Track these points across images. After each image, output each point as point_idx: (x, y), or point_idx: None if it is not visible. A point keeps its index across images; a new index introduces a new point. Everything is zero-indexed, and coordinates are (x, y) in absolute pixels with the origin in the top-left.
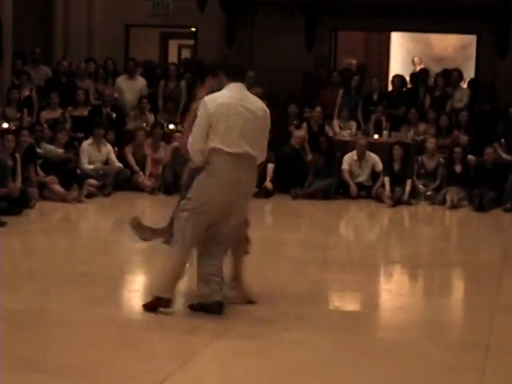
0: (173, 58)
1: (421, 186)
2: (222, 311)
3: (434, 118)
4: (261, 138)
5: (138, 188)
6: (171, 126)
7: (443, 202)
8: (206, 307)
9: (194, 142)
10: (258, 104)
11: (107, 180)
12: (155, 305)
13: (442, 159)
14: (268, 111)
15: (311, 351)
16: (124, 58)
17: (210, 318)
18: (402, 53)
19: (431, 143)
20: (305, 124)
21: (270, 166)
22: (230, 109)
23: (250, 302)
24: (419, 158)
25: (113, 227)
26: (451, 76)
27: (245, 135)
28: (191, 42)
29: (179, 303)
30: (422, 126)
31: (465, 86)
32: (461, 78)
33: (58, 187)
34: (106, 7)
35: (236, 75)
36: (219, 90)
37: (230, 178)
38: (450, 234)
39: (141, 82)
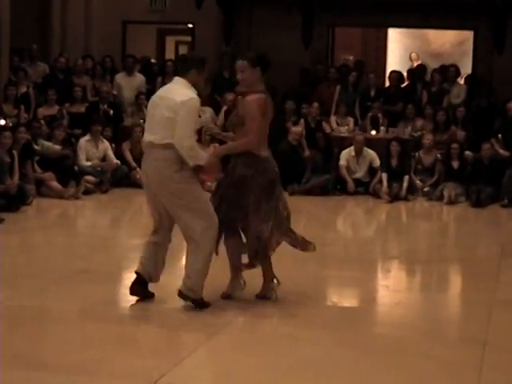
0: (170, 54)
1: (418, 182)
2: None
3: (431, 113)
4: (172, 125)
5: (135, 184)
6: None
7: (440, 198)
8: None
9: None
10: (176, 95)
11: (105, 177)
12: (204, 306)
13: (439, 155)
14: (191, 100)
15: (309, 347)
16: (121, 54)
17: (208, 314)
18: (400, 49)
19: (428, 139)
20: (302, 120)
21: None
22: (151, 103)
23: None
24: (416, 153)
25: (110, 224)
26: (448, 72)
27: (151, 126)
28: (188, 39)
29: (178, 299)
30: (419, 122)
31: (462, 81)
32: (458, 73)
33: (55, 184)
34: (103, 3)
35: (175, 69)
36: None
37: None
38: (448, 230)
39: (139, 78)
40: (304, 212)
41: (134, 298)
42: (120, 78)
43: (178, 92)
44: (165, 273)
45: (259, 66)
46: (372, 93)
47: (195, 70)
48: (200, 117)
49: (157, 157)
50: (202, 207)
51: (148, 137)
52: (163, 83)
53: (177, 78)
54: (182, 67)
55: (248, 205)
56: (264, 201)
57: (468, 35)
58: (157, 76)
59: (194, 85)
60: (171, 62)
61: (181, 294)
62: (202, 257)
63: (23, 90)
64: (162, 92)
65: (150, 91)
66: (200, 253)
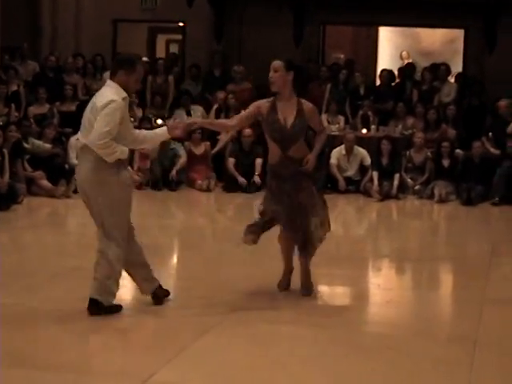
0: (161, 52)
1: (409, 180)
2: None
3: (422, 112)
4: (92, 126)
5: None
6: (159, 121)
7: (431, 196)
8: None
9: None
10: (99, 99)
11: None
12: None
13: (429, 153)
14: (110, 102)
15: (300, 345)
16: (112, 53)
17: (201, 312)
18: (391, 47)
19: (419, 137)
20: None
21: (259, 161)
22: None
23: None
24: (407, 152)
25: None
26: (439, 70)
27: (82, 129)
28: (179, 37)
29: (170, 297)
30: (410, 121)
31: (452, 80)
32: (448, 72)
33: (45, 182)
34: (93, 2)
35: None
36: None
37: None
38: (438, 228)
39: None
40: None
41: (125, 296)
42: (108, 75)
43: (103, 95)
44: (158, 272)
45: (292, 71)
46: (361, 91)
47: (123, 70)
48: (133, 119)
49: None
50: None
51: (81, 139)
52: (154, 82)
53: (108, 81)
54: (112, 69)
55: (307, 202)
56: (317, 196)
57: (459, 34)
58: (147, 74)
59: (124, 86)
60: (162, 61)
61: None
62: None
63: (14, 88)
64: (94, 96)
65: (140, 90)
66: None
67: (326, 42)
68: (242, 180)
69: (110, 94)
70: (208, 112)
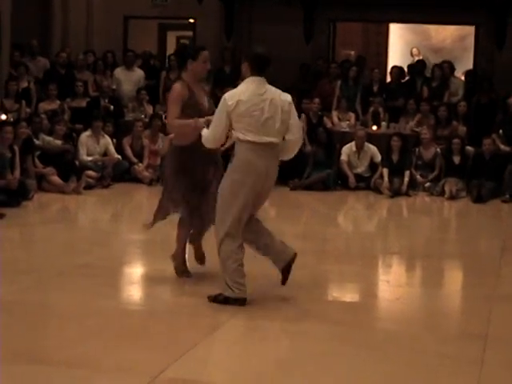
0: (171, 49)
1: (418, 177)
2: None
3: (428, 110)
4: (284, 125)
5: (136, 179)
6: None
7: (442, 193)
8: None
9: (213, 136)
10: (278, 94)
11: (106, 171)
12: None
13: (438, 149)
14: (289, 98)
15: (310, 342)
16: (122, 49)
17: (208, 309)
18: (401, 44)
19: (425, 134)
20: (303, 115)
21: None
22: (249, 105)
23: None
24: (416, 149)
25: (111, 219)
26: (443, 68)
27: (266, 126)
28: (190, 34)
29: (179, 294)
30: (421, 117)
31: (462, 77)
32: (452, 69)
33: (56, 179)
34: None
35: (261, 69)
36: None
37: (256, 167)
38: (449, 225)
39: (139, 73)
40: (305, 207)
41: (134, 293)
42: (119, 72)
43: (276, 91)
44: (168, 268)
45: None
46: (375, 88)
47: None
48: (144, 116)
49: (277, 156)
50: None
51: (272, 138)
52: (168, 78)
53: (260, 78)
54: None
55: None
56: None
57: (469, 30)
58: (158, 70)
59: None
60: (174, 57)
61: None
62: None
63: (24, 84)
64: (260, 94)
65: (152, 86)
66: None
67: (336, 38)
68: None
69: (280, 91)
70: None
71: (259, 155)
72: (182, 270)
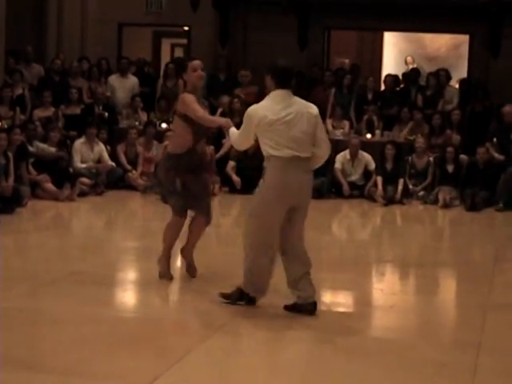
0: (165, 56)
1: (411, 186)
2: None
3: (420, 118)
4: (310, 138)
5: (130, 187)
6: (164, 125)
7: (435, 202)
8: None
9: (239, 142)
10: (303, 107)
11: (99, 179)
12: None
13: (431, 158)
14: (316, 111)
15: (303, 350)
16: (117, 56)
17: (202, 316)
18: (395, 52)
19: (420, 143)
20: None
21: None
22: (274, 120)
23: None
24: (409, 157)
25: (105, 226)
26: (439, 76)
27: (293, 140)
28: (184, 41)
29: (173, 302)
30: (414, 126)
31: (457, 85)
32: (449, 78)
33: (50, 186)
34: (99, 6)
35: (285, 83)
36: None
37: (286, 183)
38: (442, 234)
39: (133, 80)
40: None
41: (127, 301)
42: (113, 79)
43: (302, 102)
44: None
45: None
46: (369, 96)
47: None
48: (138, 123)
49: (307, 170)
50: None
51: (295, 152)
52: (164, 85)
53: (286, 91)
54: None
55: None
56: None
57: (464, 39)
58: (152, 78)
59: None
60: (172, 65)
61: None
62: None
63: (19, 91)
64: (288, 107)
65: (146, 93)
66: None
67: (330, 46)
68: (235, 179)
69: (306, 103)
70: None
71: (288, 170)
72: (164, 273)
